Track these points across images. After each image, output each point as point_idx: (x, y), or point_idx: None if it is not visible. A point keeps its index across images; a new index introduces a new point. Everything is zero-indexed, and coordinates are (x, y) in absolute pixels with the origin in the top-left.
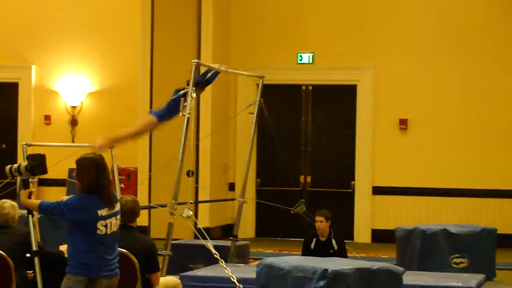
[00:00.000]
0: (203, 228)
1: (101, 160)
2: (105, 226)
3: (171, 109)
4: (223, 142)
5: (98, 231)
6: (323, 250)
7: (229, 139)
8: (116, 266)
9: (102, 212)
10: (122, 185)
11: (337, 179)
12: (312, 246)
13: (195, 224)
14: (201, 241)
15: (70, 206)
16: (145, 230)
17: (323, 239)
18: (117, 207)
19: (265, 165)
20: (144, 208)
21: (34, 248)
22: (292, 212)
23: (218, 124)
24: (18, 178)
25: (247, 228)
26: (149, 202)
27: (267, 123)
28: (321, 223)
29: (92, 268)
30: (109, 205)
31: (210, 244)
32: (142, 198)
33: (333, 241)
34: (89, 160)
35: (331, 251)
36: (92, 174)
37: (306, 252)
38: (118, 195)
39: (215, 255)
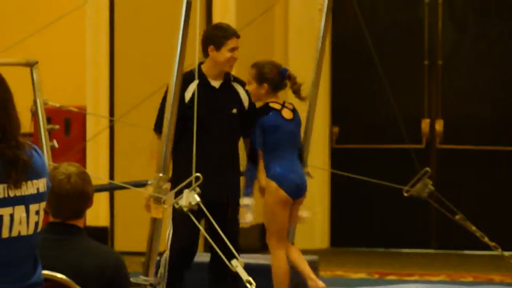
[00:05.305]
0: None
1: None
2: None
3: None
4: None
5: None
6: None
7: (274, 48)
8: None
9: None
10: (56, 144)
11: (497, 126)
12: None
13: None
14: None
15: None
16: (104, 234)
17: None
18: (35, 186)
19: (348, 100)
20: (101, 189)
21: None
22: (405, 194)
23: (248, 20)
24: None
25: (314, 229)
26: (111, 177)
27: (350, 14)
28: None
29: None
30: (8, 179)
31: (238, 262)
32: (96, 169)
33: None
34: None
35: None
36: None
37: None
38: (49, 162)
39: (248, 285)
